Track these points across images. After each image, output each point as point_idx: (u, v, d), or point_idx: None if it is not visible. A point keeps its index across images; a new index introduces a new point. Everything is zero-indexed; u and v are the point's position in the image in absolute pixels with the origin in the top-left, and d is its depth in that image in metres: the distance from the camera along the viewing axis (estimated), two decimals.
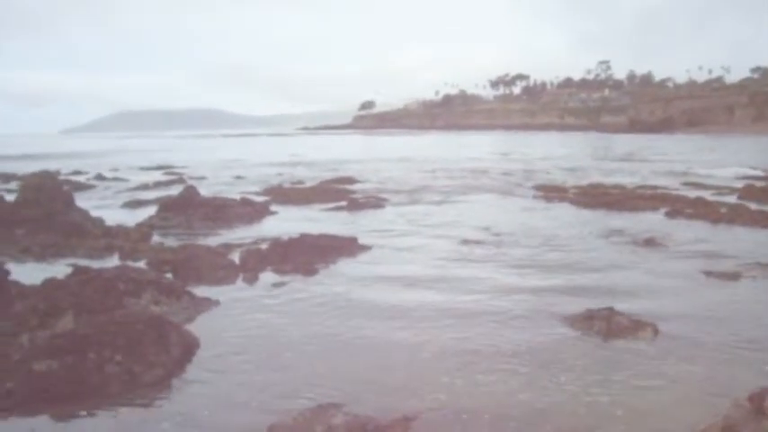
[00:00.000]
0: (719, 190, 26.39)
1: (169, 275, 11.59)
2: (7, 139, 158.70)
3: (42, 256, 14.18)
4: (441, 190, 28.31)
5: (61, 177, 32.02)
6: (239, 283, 11.77)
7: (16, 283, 9.99)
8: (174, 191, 23.32)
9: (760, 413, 5.66)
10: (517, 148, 73.59)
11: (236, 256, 13.38)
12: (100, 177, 35.43)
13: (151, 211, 19.88)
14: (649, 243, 14.87)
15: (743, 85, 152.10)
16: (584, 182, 30.47)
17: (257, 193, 26.04)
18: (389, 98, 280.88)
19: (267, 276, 12.13)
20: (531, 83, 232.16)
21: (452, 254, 14.38)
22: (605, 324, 8.84)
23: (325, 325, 9.30)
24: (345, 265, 13.26)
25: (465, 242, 15.42)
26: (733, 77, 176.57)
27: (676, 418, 6.23)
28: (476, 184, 31.05)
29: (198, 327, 8.97)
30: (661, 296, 10.67)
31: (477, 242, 15.49)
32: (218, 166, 46.47)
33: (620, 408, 6.51)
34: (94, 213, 17.60)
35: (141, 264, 12.57)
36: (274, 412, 6.27)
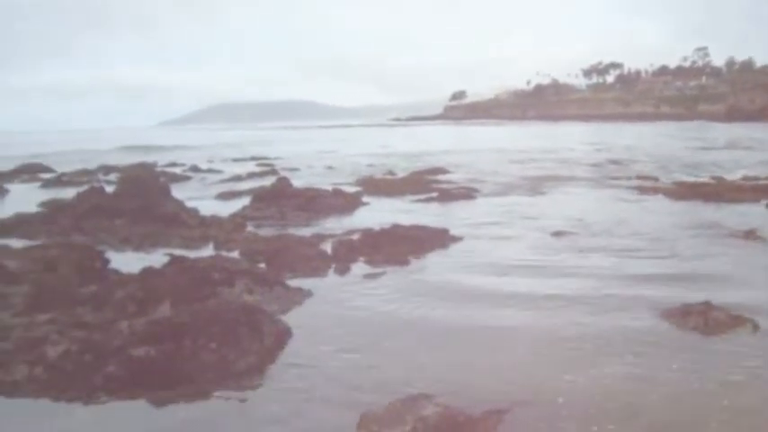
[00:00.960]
0: None
1: (262, 265, 11.75)
2: (108, 132, 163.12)
3: (140, 245, 14.55)
4: (532, 181, 27.96)
5: (158, 169, 32.84)
6: (331, 273, 11.86)
7: (116, 272, 10.31)
8: (267, 182, 23.64)
9: None
10: (610, 139, 72.19)
11: (327, 247, 13.49)
12: (195, 169, 36.09)
13: (245, 201, 20.19)
14: (749, 236, 14.41)
15: None
16: (680, 173, 29.74)
17: (349, 184, 26.18)
18: (481, 88, 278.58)
19: (359, 267, 12.20)
20: (625, 71, 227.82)
21: (545, 245, 14.23)
22: (702, 319, 8.61)
23: (418, 314, 9.32)
24: (437, 256, 13.26)
25: (557, 233, 15.22)
26: None
27: None
28: (568, 175, 30.59)
29: (290, 316, 9.08)
30: (761, 291, 10.33)
31: (570, 233, 15.28)
32: (311, 157, 46.92)
33: (718, 405, 6.34)
34: (190, 204, 17.98)
35: (235, 254, 12.79)
36: (366, 402, 6.30)
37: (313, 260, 12.35)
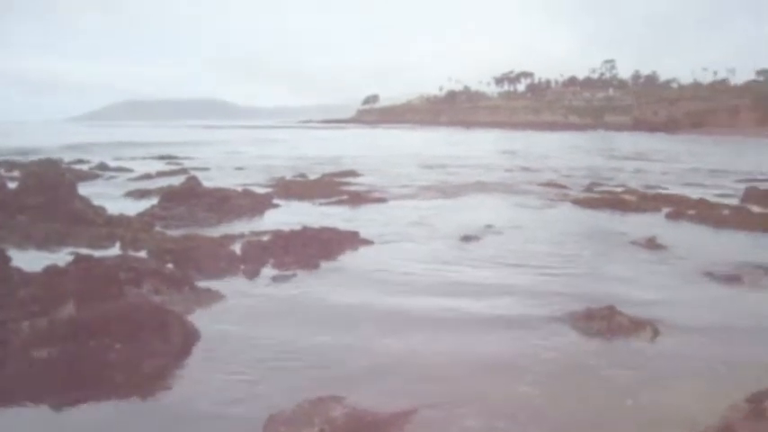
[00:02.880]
0: (722, 191, 26.41)
1: (170, 266, 11.57)
2: (14, 126, 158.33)
3: (44, 243, 14.16)
4: (443, 186, 28.26)
5: (63, 166, 32.02)
6: (240, 274, 11.75)
7: (18, 270, 10.01)
8: (177, 181, 23.29)
9: (759, 415, 5.68)
10: (521, 147, 73.54)
11: (237, 248, 13.36)
12: (103, 167, 35.29)
13: (154, 201, 19.88)
14: (651, 244, 14.85)
15: (747, 88, 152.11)
16: (587, 181, 30.44)
17: (260, 185, 26.01)
18: (394, 92, 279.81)
19: (268, 269, 12.12)
20: (536, 81, 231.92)
21: (452, 249, 14.42)
22: (605, 323, 8.86)
23: (325, 319, 9.30)
24: (346, 259, 13.28)
25: (466, 238, 15.42)
26: (738, 79, 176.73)
27: (674, 418, 6.24)
28: (479, 181, 30.97)
29: (199, 317, 8.97)
30: (661, 297, 10.67)
31: (479, 238, 15.50)
32: (222, 157, 46.45)
33: (620, 404, 6.54)
34: (97, 202, 17.57)
35: (142, 253, 12.56)
36: (273, 404, 6.28)
37: (222, 261, 12.23)
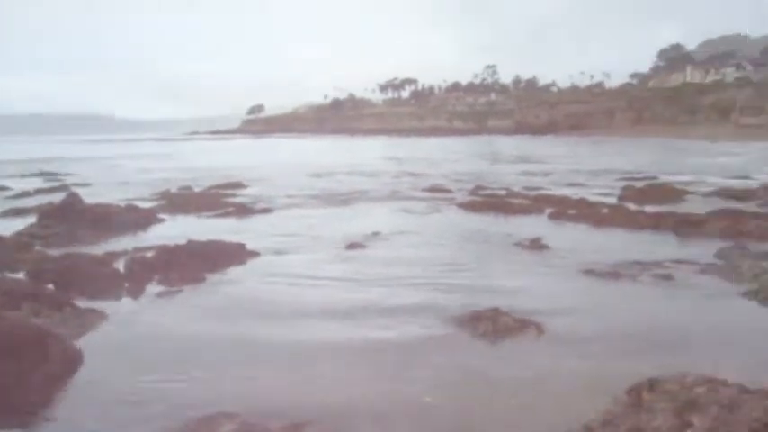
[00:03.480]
0: (601, 191, 27.26)
1: (50, 286, 11.22)
2: None
3: None
4: (330, 195, 28.31)
5: None
6: (125, 293, 11.48)
7: None
8: (57, 198, 22.61)
9: (638, 406, 5.86)
10: (406, 152, 74.20)
11: (120, 265, 13.03)
12: None
13: (32, 219, 19.21)
14: (534, 244, 15.20)
15: (622, 91, 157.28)
16: (472, 185, 30.91)
17: (144, 200, 25.46)
18: (279, 102, 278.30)
19: (153, 285, 11.87)
20: (420, 87, 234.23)
21: (340, 257, 14.46)
22: (491, 324, 9.01)
23: (214, 334, 9.17)
24: (233, 272, 13.13)
25: (352, 246, 15.47)
26: (613, 83, 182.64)
27: (560, 414, 6.39)
28: (365, 188, 31.14)
29: (82, 339, 8.71)
30: (545, 296, 10.95)
31: (364, 245, 15.57)
32: (103, 172, 45.22)
33: (505, 405, 6.66)
34: None
35: (20, 275, 12.14)
36: (163, 424, 6.16)
37: (105, 279, 11.91)
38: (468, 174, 39.25)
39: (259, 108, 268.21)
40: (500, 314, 9.27)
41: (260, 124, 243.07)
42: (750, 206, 20.71)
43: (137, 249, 14.75)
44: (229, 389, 7.13)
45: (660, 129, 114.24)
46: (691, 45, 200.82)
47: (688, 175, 34.32)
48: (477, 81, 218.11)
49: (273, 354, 8.28)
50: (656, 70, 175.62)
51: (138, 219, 19.52)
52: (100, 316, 9.90)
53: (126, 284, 11.85)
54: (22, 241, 15.87)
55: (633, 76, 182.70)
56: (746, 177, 31.50)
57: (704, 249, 14.31)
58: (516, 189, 28.04)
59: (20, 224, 18.62)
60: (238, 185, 32.13)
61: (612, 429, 5.65)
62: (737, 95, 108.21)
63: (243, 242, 14.99)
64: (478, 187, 29.52)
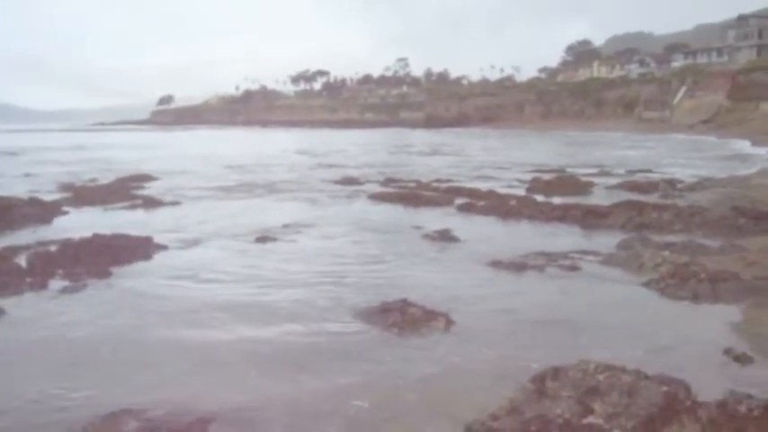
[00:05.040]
0: (510, 182, 27.66)
1: None
2: None
3: None
4: (240, 186, 28.07)
5: None
6: (26, 288, 11.16)
7: None
8: None
9: (542, 394, 5.98)
10: (318, 144, 74.05)
11: (22, 260, 12.69)
12: None
13: None
14: (443, 236, 15.34)
15: (531, 84, 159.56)
16: (383, 177, 30.99)
17: (48, 192, 24.79)
18: (190, 93, 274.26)
19: (57, 280, 11.58)
20: (332, 79, 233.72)
21: (249, 250, 14.44)
22: (399, 315, 9.07)
23: (118, 330, 9.02)
24: (140, 266, 12.91)
25: (262, 238, 15.39)
26: (523, 76, 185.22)
27: (467, 402, 6.48)
28: (276, 179, 30.97)
29: None
30: (453, 287, 11.08)
31: (274, 238, 15.50)
32: (3, 164, 43.77)
33: (414, 394, 6.73)
34: None
35: None
36: (64, 424, 6.03)
37: (5, 275, 11.56)
38: (380, 166, 39.30)
39: (169, 99, 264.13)
40: (408, 306, 9.34)
41: (170, 115, 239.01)
42: (652, 198, 21.28)
43: (40, 243, 14.35)
44: (132, 387, 7.02)
45: (568, 122, 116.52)
46: (598, 41, 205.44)
47: (594, 167, 35.04)
48: (389, 73, 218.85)
49: (173, 353, 8.18)
50: (564, 65, 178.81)
51: (41, 212, 18.99)
52: None
53: (28, 280, 11.50)
54: None
55: (542, 70, 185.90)
56: (649, 171, 32.30)
57: (609, 240, 14.67)
58: (426, 181, 28.19)
59: None
60: (148, 178, 31.47)
61: (517, 417, 5.76)
62: (641, 90, 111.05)
63: (150, 235, 14.75)
64: (389, 179, 29.61)
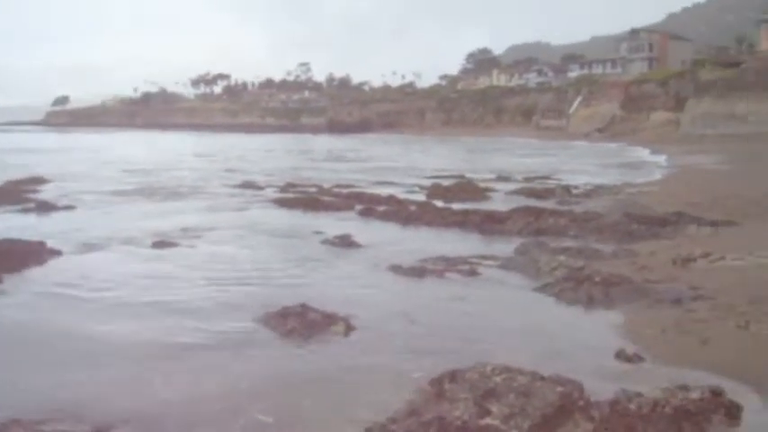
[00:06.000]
0: (410, 188, 27.84)
1: None
2: None
3: None
4: (139, 190, 27.55)
5: None
6: None
7: None
8: None
9: (440, 396, 6.03)
10: (218, 149, 73.24)
11: None
12: None
13: None
14: (344, 241, 15.34)
15: (433, 91, 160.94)
16: (283, 182, 30.80)
17: None
18: (85, 94, 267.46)
19: None
20: (233, 83, 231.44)
21: (145, 255, 14.32)
22: (299, 320, 9.04)
23: (7, 338, 8.75)
24: (33, 272, 12.54)
25: (159, 243, 15.14)
26: (424, 83, 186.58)
27: (366, 405, 6.50)
28: (175, 184, 30.53)
29: None
30: (353, 292, 11.13)
31: (171, 243, 15.27)
32: None
33: (312, 400, 6.71)
34: None
35: None
36: None
37: None
38: (280, 171, 39.09)
39: (64, 100, 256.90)
40: (308, 310, 9.32)
41: (65, 116, 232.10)
42: (549, 204, 21.72)
43: None
44: (19, 396, 6.82)
45: (468, 129, 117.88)
46: (497, 50, 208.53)
47: (493, 173, 35.54)
48: (291, 78, 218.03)
49: (66, 357, 8.02)
50: (464, 72, 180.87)
51: None
52: None
53: None
54: None
55: (443, 77, 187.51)
56: (547, 178, 32.94)
57: (506, 245, 14.91)
58: (327, 186, 28.16)
59: None
60: (41, 181, 30.53)
61: (416, 419, 5.79)
62: (539, 99, 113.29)
63: (43, 240, 14.32)
64: (290, 184, 29.47)
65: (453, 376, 6.32)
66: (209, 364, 7.76)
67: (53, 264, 13.31)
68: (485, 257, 13.66)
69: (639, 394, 5.86)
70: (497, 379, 6.17)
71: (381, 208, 20.60)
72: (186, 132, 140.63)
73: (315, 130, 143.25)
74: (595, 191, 26.33)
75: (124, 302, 10.49)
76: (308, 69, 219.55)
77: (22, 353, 8.17)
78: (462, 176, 32.86)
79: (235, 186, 29.03)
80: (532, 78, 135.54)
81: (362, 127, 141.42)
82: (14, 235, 14.46)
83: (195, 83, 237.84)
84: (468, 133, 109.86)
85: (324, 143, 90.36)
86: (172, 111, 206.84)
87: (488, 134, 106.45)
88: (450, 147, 78.42)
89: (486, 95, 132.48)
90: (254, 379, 7.31)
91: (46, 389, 6.99)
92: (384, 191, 25.83)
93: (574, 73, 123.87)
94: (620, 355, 7.87)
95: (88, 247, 15.01)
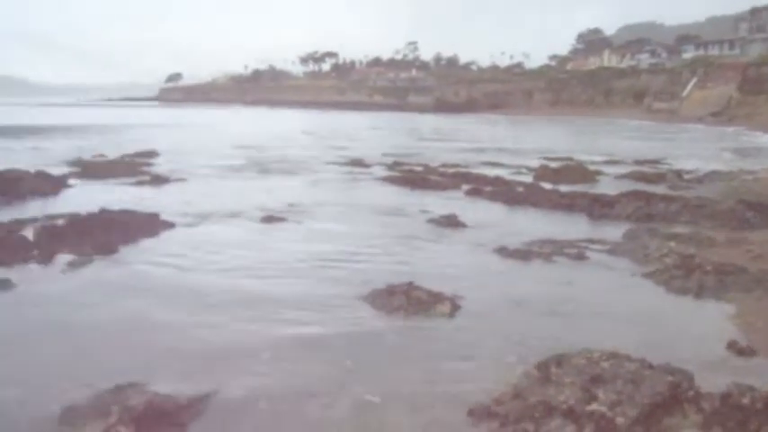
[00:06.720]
0: (518, 169, 27.57)
1: None
2: None
3: None
4: (248, 165, 28.11)
5: None
6: (32, 261, 11.20)
7: None
8: None
9: (546, 380, 6.00)
10: (327, 126, 74.00)
11: (29, 233, 12.70)
12: None
13: None
14: (450, 221, 15.32)
15: (541, 72, 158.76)
16: (391, 160, 30.91)
17: (55, 166, 24.77)
18: (198, 71, 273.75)
19: (63, 255, 11.58)
20: (341, 61, 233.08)
21: (255, 230, 14.50)
22: (405, 298, 9.09)
23: (123, 307, 9.05)
24: (147, 243, 12.94)
25: (268, 218, 15.40)
26: (533, 63, 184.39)
27: (471, 386, 6.51)
28: (284, 159, 30.98)
29: None
30: (459, 272, 11.09)
31: (281, 219, 15.50)
32: (9, 136, 43.66)
33: (418, 379, 6.75)
34: None
35: None
36: (73, 396, 6.05)
37: (12, 248, 11.58)
38: (387, 149, 39.17)
39: (177, 76, 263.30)
40: (414, 288, 9.36)
41: (178, 93, 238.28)
42: (660, 189, 21.22)
43: (47, 217, 14.39)
44: (133, 366, 7.06)
45: (577, 110, 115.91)
46: (609, 30, 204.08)
47: (602, 156, 34.91)
48: (399, 57, 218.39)
49: (177, 337, 8.16)
50: (574, 53, 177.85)
51: (48, 186, 19.03)
52: (6, 284, 9.68)
53: (35, 252, 11.54)
54: None
55: (552, 57, 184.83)
56: (658, 162, 32.16)
57: (615, 230, 14.63)
58: (434, 165, 28.13)
59: None
60: (155, 154, 31.52)
61: (521, 402, 5.79)
62: (651, 81, 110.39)
63: (157, 212, 14.76)
64: (396, 163, 29.56)
65: (560, 361, 6.28)
66: (314, 340, 7.87)
67: (166, 235, 13.71)
68: (592, 242, 13.46)
69: (752, 388, 5.70)
70: (605, 365, 6.11)
71: (488, 188, 20.48)
72: (294, 109, 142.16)
73: (421, 109, 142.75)
74: (708, 176, 25.49)
75: (232, 274, 10.73)
76: (416, 48, 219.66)
77: (132, 322, 8.42)
78: (570, 158, 32.39)
79: (342, 164, 29.29)
80: (644, 59, 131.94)
81: (469, 107, 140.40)
82: (130, 207, 14.93)
83: (304, 61, 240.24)
84: (576, 114, 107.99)
85: (430, 122, 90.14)
86: (280, 88, 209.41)
87: (597, 116, 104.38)
88: (558, 128, 77.23)
89: (596, 76, 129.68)
90: (358, 356, 7.39)
91: (153, 356, 7.20)
92: (491, 171, 25.68)
93: (688, 54, 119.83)
94: (732, 347, 7.65)
95: (199, 219, 15.37)
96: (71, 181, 20.94)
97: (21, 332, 7.92)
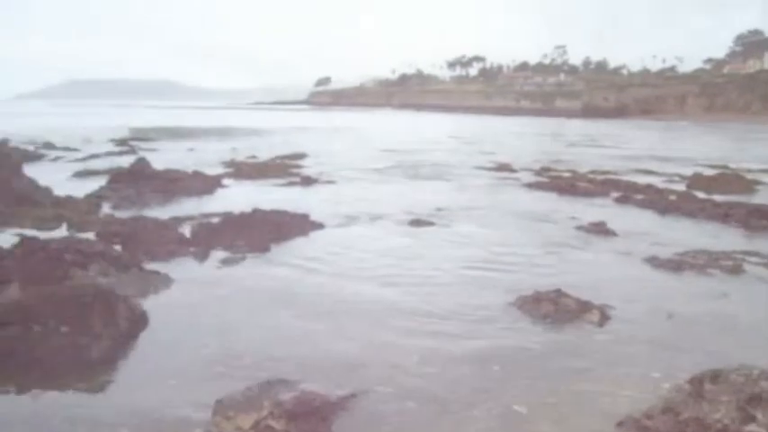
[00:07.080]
0: (670, 177, 26.79)
1: (118, 248, 11.41)
2: None
3: None
4: (396, 168, 28.36)
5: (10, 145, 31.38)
6: (190, 257, 11.64)
7: None
8: (126, 162, 23.03)
9: (699, 396, 5.79)
10: (473, 130, 73.83)
11: (186, 230, 13.22)
12: (49, 146, 34.70)
13: (101, 181, 19.58)
14: (598, 228, 15.02)
15: (695, 76, 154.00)
16: (538, 165, 30.60)
17: (210, 166, 25.72)
18: (345, 76, 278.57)
19: (218, 252, 12.00)
20: (488, 65, 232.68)
21: (402, 234, 14.49)
22: (552, 306, 8.96)
23: (276, 304, 9.26)
24: (297, 243, 13.21)
25: (415, 222, 15.48)
26: (686, 67, 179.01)
27: (619, 399, 6.35)
28: (431, 164, 31.12)
29: (147, 300, 8.88)
30: (608, 282, 10.81)
31: (428, 223, 15.55)
32: (170, 138, 45.69)
33: (565, 389, 6.63)
34: (43, 183, 17.23)
35: (89, 235, 12.34)
36: (224, 387, 6.24)
37: (171, 243, 12.09)
38: (535, 154, 38.83)
39: (326, 80, 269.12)
40: (562, 296, 9.21)
41: (327, 96, 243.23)
42: None
43: (202, 215, 14.96)
44: (289, 366, 7.21)
45: (733, 116, 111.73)
46: None
47: (760, 164, 33.49)
48: (547, 61, 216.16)
49: (324, 341, 8.31)
50: (731, 56, 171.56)
51: (204, 185, 19.77)
52: (165, 279, 10.07)
53: (192, 249, 12.00)
54: (92, 202, 16.22)
55: (707, 61, 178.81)
56: None
57: None
58: (583, 172, 27.68)
59: (90, 186, 18.98)
60: (304, 156, 32.29)
61: (672, 417, 5.60)
62: None
63: (307, 213, 15.09)
64: (544, 168, 29.24)
65: (715, 376, 6.04)
66: (461, 346, 7.84)
67: (316, 236, 13.98)
68: (749, 254, 12.87)
69: None
70: (764, 384, 5.84)
71: (639, 196, 19.98)
72: (440, 113, 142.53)
73: (568, 114, 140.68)
74: None
75: (382, 274, 10.84)
76: (564, 52, 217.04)
77: (284, 319, 8.60)
78: (726, 166, 31.20)
79: (489, 169, 29.18)
80: None
81: (618, 112, 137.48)
82: (282, 207, 15.31)
83: (451, 65, 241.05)
84: (732, 120, 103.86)
85: (578, 128, 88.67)
86: (427, 92, 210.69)
87: (756, 122, 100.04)
88: (714, 135, 74.50)
89: (755, 80, 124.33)
90: (505, 363, 7.32)
91: (304, 353, 7.34)
92: (642, 179, 25.02)
93: None
94: None
95: (347, 220, 15.60)
96: (225, 181, 21.66)
97: (175, 326, 8.22)
